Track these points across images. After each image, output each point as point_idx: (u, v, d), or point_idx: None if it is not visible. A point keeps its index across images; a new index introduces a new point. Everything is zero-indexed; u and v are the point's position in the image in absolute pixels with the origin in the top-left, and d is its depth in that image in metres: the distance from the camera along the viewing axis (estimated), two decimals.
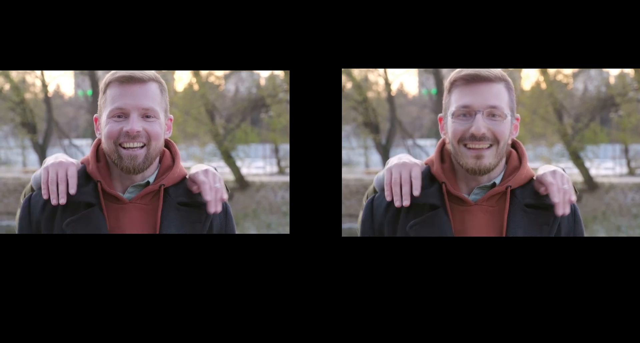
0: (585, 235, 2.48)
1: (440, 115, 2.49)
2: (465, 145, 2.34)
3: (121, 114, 2.36)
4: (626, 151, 8.66)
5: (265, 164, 8.93)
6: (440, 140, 2.50)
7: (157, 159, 2.48)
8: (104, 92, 2.44)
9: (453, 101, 2.35)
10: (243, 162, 8.62)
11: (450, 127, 2.38)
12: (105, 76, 2.42)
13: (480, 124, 2.28)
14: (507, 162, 2.42)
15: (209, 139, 8.28)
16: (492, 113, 2.31)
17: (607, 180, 8.44)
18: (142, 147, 2.38)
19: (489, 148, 2.33)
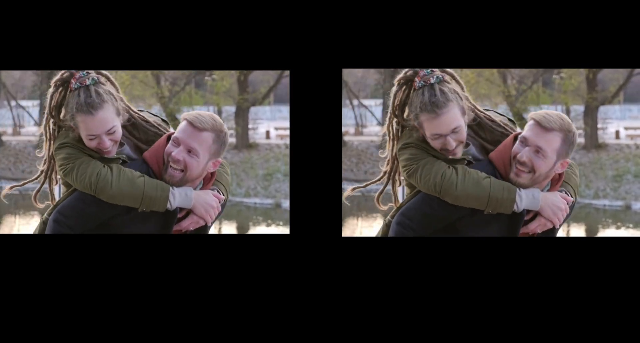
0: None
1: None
2: (516, 162, 2.93)
3: (175, 144, 2.98)
4: (567, 112, 8.84)
5: None
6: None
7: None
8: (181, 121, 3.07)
9: (523, 130, 2.96)
10: None
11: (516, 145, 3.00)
12: (183, 113, 3.01)
13: (524, 153, 2.89)
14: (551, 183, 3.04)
15: (155, 101, 8.28)
16: (537, 150, 2.89)
17: None
18: (180, 171, 2.96)
19: (527, 172, 2.90)
